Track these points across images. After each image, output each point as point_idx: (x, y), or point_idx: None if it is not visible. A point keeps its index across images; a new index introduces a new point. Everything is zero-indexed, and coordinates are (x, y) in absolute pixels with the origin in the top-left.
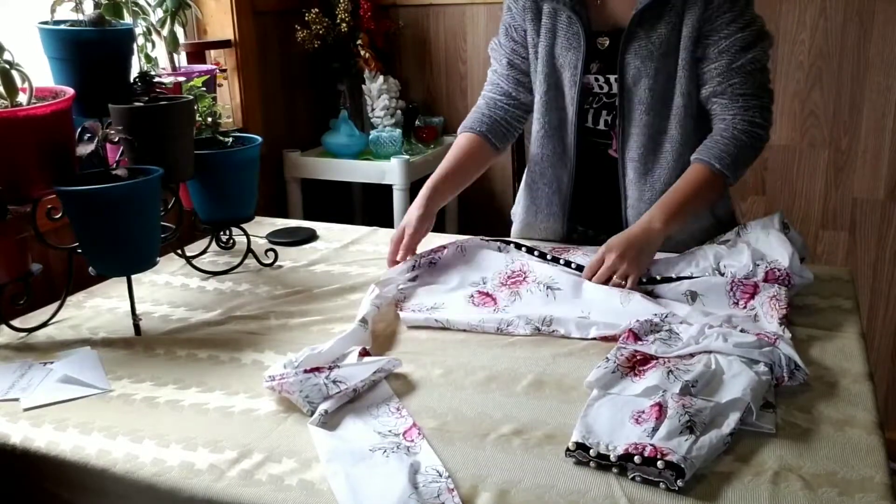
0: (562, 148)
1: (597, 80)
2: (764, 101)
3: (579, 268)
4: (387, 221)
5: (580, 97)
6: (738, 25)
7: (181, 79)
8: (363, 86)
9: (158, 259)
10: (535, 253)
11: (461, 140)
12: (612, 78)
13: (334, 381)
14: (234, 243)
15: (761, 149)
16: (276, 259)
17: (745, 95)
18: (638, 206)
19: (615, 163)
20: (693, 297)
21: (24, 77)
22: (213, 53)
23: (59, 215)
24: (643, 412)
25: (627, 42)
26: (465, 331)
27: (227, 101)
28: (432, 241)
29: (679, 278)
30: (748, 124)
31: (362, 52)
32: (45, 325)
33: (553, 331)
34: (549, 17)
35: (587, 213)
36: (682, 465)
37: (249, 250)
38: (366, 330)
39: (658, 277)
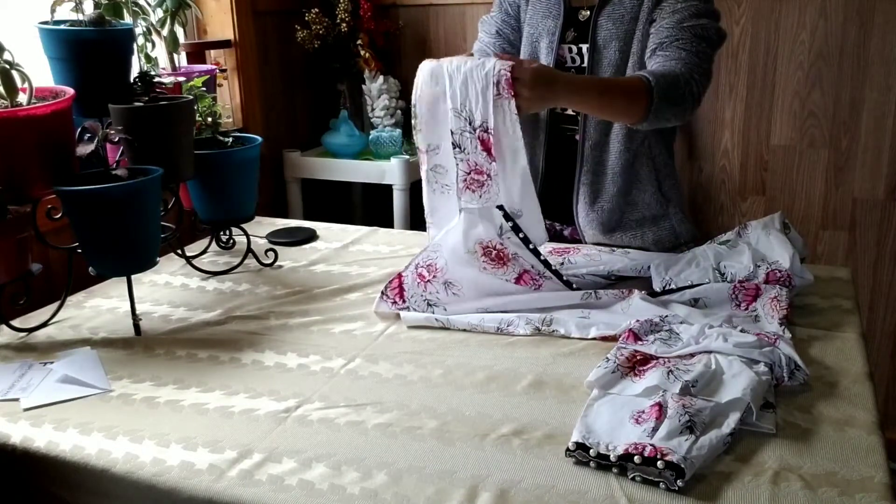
0: (533, 133)
1: (570, 49)
2: (704, 67)
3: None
4: (387, 221)
5: None
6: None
7: (181, 79)
8: (363, 86)
9: (158, 259)
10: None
11: None
12: (585, 47)
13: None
14: (234, 243)
15: (687, 106)
16: (276, 259)
17: (689, 52)
18: (588, 187)
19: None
20: (695, 301)
21: (24, 77)
22: (213, 53)
23: (59, 215)
24: (643, 412)
25: (601, 7)
26: (465, 331)
27: (227, 101)
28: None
29: (681, 288)
30: (688, 73)
31: (362, 52)
32: (45, 325)
33: (553, 331)
34: None
35: (553, 205)
36: (682, 465)
37: (249, 250)
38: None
39: (659, 290)
